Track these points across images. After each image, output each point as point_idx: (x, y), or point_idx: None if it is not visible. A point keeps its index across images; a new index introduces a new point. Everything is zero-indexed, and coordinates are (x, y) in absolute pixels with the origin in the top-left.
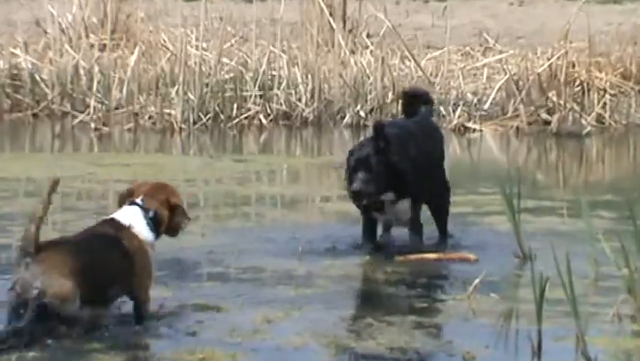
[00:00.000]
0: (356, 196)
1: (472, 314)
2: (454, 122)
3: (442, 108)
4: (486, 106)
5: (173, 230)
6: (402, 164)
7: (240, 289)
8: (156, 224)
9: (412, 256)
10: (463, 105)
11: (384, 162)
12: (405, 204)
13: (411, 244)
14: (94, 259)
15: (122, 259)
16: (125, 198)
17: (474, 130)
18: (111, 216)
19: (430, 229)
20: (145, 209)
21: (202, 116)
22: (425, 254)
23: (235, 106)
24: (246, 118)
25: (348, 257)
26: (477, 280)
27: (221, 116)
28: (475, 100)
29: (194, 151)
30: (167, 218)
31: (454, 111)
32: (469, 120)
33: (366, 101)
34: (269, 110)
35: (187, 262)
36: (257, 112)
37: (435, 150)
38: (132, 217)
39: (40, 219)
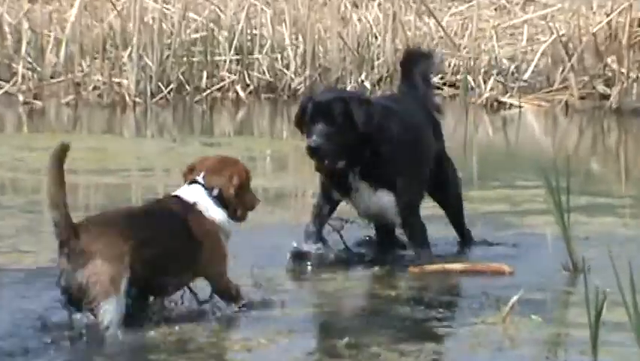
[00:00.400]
0: (313, 154)
1: (509, 342)
2: (486, 95)
3: (470, 78)
4: (526, 75)
5: (238, 215)
6: (372, 127)
7: (213, 309)
8: (223, 204)
9: (431, 268)
10: (497, 74)
11: (351, 115)
12: (384, 196)
13: (416, 257)
14: (150, 240)
15: (188, 243)
16: (186, 176)
17: (511, 106)
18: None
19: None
20: (208, 188)
21: (162, 88)
22: (447, 265)
23: (205, 74)
24: (218, 90)
25: (349, 268)
26: (514, 299)
27: (187, 88)
28: (513, 68)
29: (152, 132)
30: (234, 199)
31: (485, 82)
32: (505, 93)
33: (372, 68)
34: (248, 80)
35: None
36: (233, 82)
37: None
38: (195, 196)
39: (62, 199)
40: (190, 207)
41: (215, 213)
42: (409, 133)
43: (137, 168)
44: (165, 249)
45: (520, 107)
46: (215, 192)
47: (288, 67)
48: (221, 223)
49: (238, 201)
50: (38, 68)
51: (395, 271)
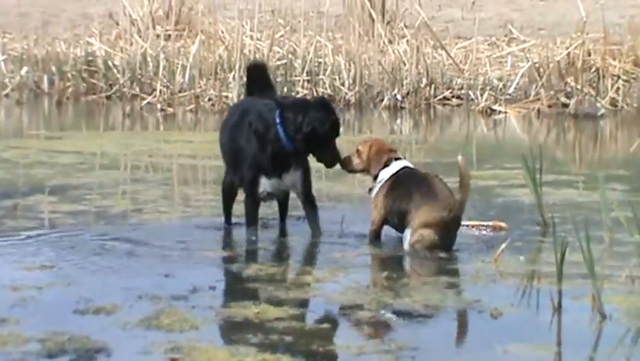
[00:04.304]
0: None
1: (499, 276)
2: (482, 104)
3: (470, 92)
4: (510, 90)
5: None
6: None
7: (296, 250)
8: None
9: None
10: (490, 90)
11: None
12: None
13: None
14: None
15: None
16: (384, 155)
17: (499, 112)
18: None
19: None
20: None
21: None
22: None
23: (285, 90)
24: None
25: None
26: (503, 245)
27: None
28: (501, 85)
29: None
30: None
31: (481, 95)
32: (495, 103)
33: (402, 85)
34: (315, 94)
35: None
36: (305, 95)
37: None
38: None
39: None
40: None
41: None
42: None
43: None
44: None
45: (506, 113)
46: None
47: (343, 84)
48: None
49: None
50: (170, 86)
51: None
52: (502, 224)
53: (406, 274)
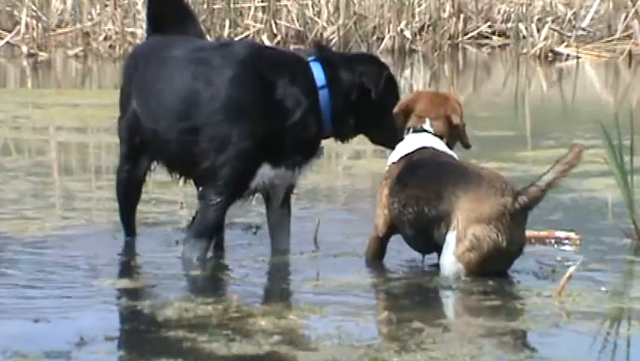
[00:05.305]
0: None
1: (565, 317)
2: (539, 45)
3: (522, 26)
4: (585, 23)
5: None
6: None
7: (258, 279)
8: None
9: None
10: (552, 22)
11: None
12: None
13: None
14: None
15: None
16: (404, 119)
17: (567, 57)
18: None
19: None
20: (439, 136)
21: None
22: None
23: (228, 22)
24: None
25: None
26: (572, 269)
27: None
28: (570, 14)
29: None
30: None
31: (538, 30)
32: (561, 43)
33: (412, 17)
34: (275, 30)
35: None
36: (258, 31)
37: None
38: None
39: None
40: None
41: None
42: None
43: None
44: None
45: (577, 57)
46: (445, 141)
47: (319, 14)
48: None
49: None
50: (43, 17)
51: None
52: (572, 235)
53: (418, 315)
